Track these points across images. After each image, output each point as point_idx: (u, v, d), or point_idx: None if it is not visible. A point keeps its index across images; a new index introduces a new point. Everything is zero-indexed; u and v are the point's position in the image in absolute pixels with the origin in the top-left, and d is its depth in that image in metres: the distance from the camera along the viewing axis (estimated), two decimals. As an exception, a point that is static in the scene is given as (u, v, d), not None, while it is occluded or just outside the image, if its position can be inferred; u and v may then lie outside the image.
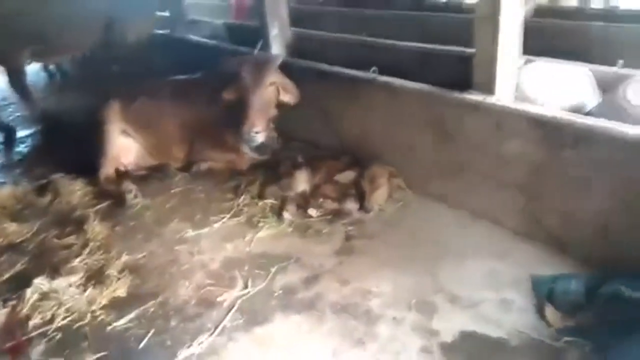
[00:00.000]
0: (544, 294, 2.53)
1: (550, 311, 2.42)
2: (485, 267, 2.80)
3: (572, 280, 2.53)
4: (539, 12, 5.00)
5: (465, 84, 3.18)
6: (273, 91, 3.86)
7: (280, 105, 4.01)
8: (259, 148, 3.96)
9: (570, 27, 4.41)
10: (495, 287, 2.65)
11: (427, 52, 4.09)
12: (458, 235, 3.11)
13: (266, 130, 3.76)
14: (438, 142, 3.31)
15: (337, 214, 3.42)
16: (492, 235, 3.06)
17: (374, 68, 3.74)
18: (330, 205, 3.50)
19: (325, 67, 4.17)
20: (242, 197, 3.71)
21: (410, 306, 2.58)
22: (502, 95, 3.00)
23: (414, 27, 5.48)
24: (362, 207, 3.41)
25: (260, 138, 3.67)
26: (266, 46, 4.92)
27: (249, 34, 5.70)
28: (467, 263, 2.85)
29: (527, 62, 3.37)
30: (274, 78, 3.84)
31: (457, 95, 3.10)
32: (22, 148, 5.38)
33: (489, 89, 3.00)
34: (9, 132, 5.63)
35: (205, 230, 3.42)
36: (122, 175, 4.16)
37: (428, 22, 5.60)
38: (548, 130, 2.75)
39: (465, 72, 3.24)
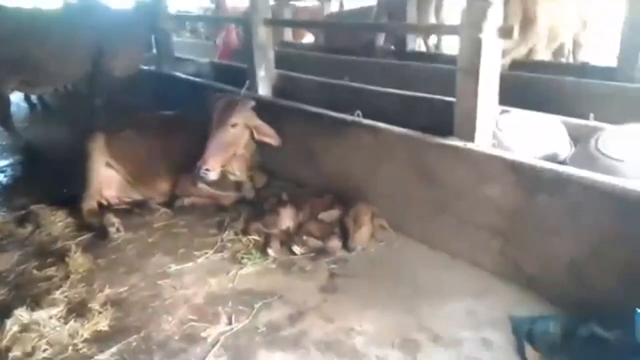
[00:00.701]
0: (524, 334, 2.61)
1: (529, 351, 2.50)
2: (465, 306, 2.88)
3: (550, 322, 2.62)
4: (513, 66, 5.31)
5: (445, 130, 3.34)
6: (239, 132, 3.98)
7: (262, 146, 4.15)
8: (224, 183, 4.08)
9: (543, 80, 4.69)
10: (475, 327, 2.72)
11: (407, 98, 4.29)
12: (438, 275, 3.19)
13: (218, 168, 3.82)
14: (420, 185, 3.44)
15: (320, 252, 3.48)
16: (471, 276, 3.16)
17: (358, 112, 3.88)
18: (314, 243, 3.56)
19: (310, 108, 4.31)
20: (226, 233, 3.74)
21: (393, 344, 2.62)
22: (481, 142, 3.16)
23: (394, 74, 5.74)
24: (346, 246, 3.48)
25: (211, 176, 3.74)
26: (253, 86, 5.07)
27: (235, 74, 5.88)
28: (447, 303, 2.92)
29: (502, 112, 3.58)
30: (241, 120, 3.95)
31: (439, 140, 3.26)
32: (1, 177, 5.32)
33: (469, 135, 3.17)
34: (-12, 161, 5.58)
35: (189, 265, 3.44)
36: (104, 208, 4.16)
37: (407, 69, 5.87)
38: (524, 176, 2.89)
39: (445, 119, 3.42)
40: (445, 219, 3.34)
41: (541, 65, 5.52)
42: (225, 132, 3.86)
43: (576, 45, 6.17)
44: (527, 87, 4.47)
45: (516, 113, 3.60)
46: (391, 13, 6.85)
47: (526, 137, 3.35)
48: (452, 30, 3.42)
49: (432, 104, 4.07)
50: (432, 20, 7.59)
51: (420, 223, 3.49)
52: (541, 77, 4.85)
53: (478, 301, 2.92)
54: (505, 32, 3.20)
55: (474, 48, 3.11)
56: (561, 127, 3.50)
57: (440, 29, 4.28)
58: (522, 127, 3.43)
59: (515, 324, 2.71)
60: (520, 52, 5.56)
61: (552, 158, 3.25)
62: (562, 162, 3.21)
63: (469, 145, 3.14)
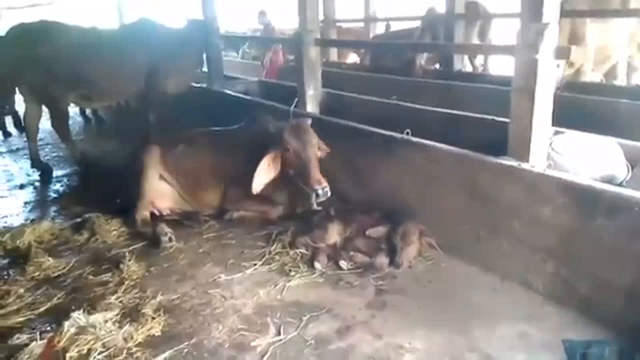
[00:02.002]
0: (578, 358, 2.54)
1: (585, 376, 2.43)
2: (516, 329, 2.82)
3: (606, 347, 2.55)
4: (568, 87, 5.23)
5: (495, 150, 3.32)
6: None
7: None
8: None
9: (596, 102, 4.61)
10: (527, 350, 2.66)
11: (455, 118, 4.28)
12: (489, 296, 3.14)
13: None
14: (471, 204, 3.41)
15: (367, 268, 3.49)
16: (523, 298, 3.10)
17: (407, 130, 3.90)
18: (361, 258, 3.57)
19: (359, 125, 4.35)
20: (274, 246, 3.80)
21: (443, 363, 2.59)
22: (536, 163, 3.12)
23: (441, 94, 5.75)
24: (393, 263, 3.47)
25: (328, 191, 3.75)
26: (301, 104, 5.16)
27: (282, 92, 6.02)
28: (499, 325, 2.87)
29: (557, 133, 3.53)
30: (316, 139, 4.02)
31: (493, 160, 3.24)
32: (58, 187, 5.57)
33: (523, 156, 3.14)
34: (46, 170, 5.84)
35: (238, 275, 3.49)
36: (156, 218, 4.28)
37: (454, 89, 5.87)
38: (581, 198, 2.84)
39: (494, 139, 3.40)
40: (496, 240, 3.29)
41: (593, 87, 5.43)
42: (314, 151, 3.92)
43: (630, 67, 6.04)
44: (579, 109, 4.39)
45: (571, 134, 3.55)
46: (435, 34, 6.87)
47: (582, 159, 3.29)
48: (506, 50, 3.42)
49: (481, 123, 4.06)
50: (476, 41, 7.58)
51: (470, 243, 3.45)
52: (594, 98, 4.77)
53: (530, 324, 2.85)
54: (561, 53, 3.19)
55: (529, 69, 3.09)
56: (618, 149, 3.43)
57: (494, 50, 4.26)
58: (577, 148, 3.37)
59: (569, 348, 2.64)
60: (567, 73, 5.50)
61: (609, 180, 3.18)
62: (620, 185, 3.14)
63: (524, 165, 3.10)
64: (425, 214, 3.67)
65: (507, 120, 3.39)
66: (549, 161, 3.26)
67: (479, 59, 8.03)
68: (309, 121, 4.16)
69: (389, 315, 3.02)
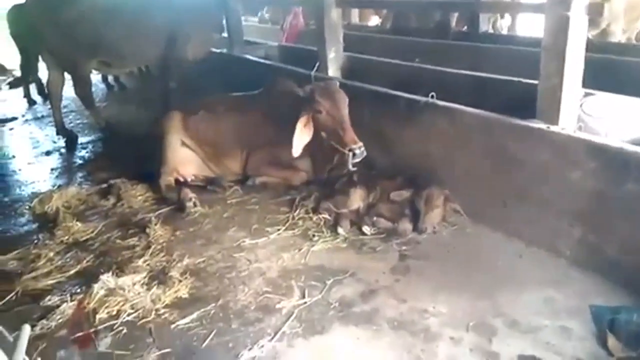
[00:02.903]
0: (605, 323, 2.51)
1: (612, 341, 2.41)
2: (542, 294, 2.80)
3: (635, 312, 2.51)
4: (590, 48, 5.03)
5: (523, 114, 3.24)
6: None
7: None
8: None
9: (626, 63, 4.44)
10: (553, 315, 2.64)
11: (481, 80, 4.17)
12: (514, 262, 3.12)
13: None
14: (497, 169, 3.36)
15: (391, 233, 3.49)
16: (549, 264, 3.07)
17: (432, 93, 3.81)
18: (384, 224, 3.56)
19: (382, 89, 4.27)
20: (297, 211, 3.81)
21: (468, 327, 2.59)
22: (566, 125, 3.04)
23: (467, 56, 5.59)
24: (416, 228, 3.46)
25: (364, 151, 3.70)
26: (323, 68, 5.08)
27: (302, 56, 5.92)
28: (524, 290, 2.85)
29: (587, 95, 3.41)
30: None
31: (520, 122, 3.16)
32: (83, 153, 5.64)
33: (552, 118, 3.05)
34: (71, 137, 5.91)
35: (262, 240, 3.52)
36: (180, 183, 4.32)
37: (481, 51, 5.70)
38: (611, 161, 2.77)
39: (522, 102, 3.31)
40: (523, 205, 3.24)
41: (621, 48, 5.22)
42: (347, 111, 3.86)
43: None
44: (608, 70, 4.23)
45: (602, 96, 3.42)
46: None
47: (613, 121, 3.19)
48: (537, 8, 3.29)
49: (508, 86, 3.94)
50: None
51: (496, 209, 3.41)
52: (625, 59, 4.59)
53: (556, 289, 2.83)
54: (594, 10, 3.05)
55: (560, 26, 2.98)
56: (651, 111, 3.31)
57: (523, 8, 4.09)
58: (609, 110, 3.26)
59: (596, 314, 2.61)
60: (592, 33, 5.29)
61: (641, 143, 3.08)
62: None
63: (553, 128, 3.02)
64: (450, 179, 3.63)
65: (534, 82, 3.30)
66: (579, 123, 3.16)
67: (503, 21, 7.78)
68: (337, 83, 4.09)
69: (413, 279, 3.03)
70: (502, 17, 7.61)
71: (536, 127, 3.08)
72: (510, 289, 2.86)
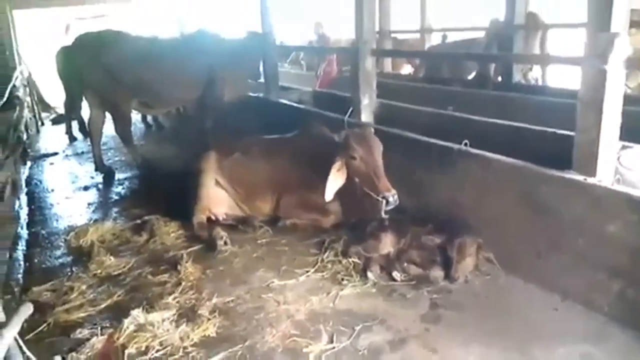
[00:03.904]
0: (647, 385, 2.40)
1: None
2: (579, 350, 2.70)
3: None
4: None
5: (557, 164, 3.21)
6: None
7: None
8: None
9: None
10: (592, 373, 2.55)
11: (514, 130, 4.17)
12: (549, 315, 3.02)
13: None
14: (532, 219, 3.30)
15: (421, 280, 3.44)
16: (586, 319, 2.96)
17: (465, 141, 3.83)
18: (415, 270, 3.52)
19: (415, 136, 4.31)
20: (327, 254, 3.80)
21: (500, 381, 2.51)
22: (603, 177, 3.00)
23: (498, 106, 5.62)
24: (448, 276, 3.40)
25: (397, 199, 3.71)
26: (356, 114, 5.17)
27: (336, 102, 6.05)
28: (559, 344, 2.75)
29: (624, 147, 3.37)
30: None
31: (557, 173, 3.13)
32: (120, 189, 5.80)
33: (589, 170, 3.02)
34: (109, 173, 6.10)
35: (291, 281, 3.52)
36: (213, 222, 4.38)
37: (514, 101, 5.72)
38: (652, 216, 2.71)
39: (556, 152, 3.29)
40: (559, 256, 3.17)
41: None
42: (381, 158, 3.90)
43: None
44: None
45: (639, 149, 3.38)
46: (500, 44, 6.74)
47: (653, 175, 3.13)
48: (573, 61, 3.31)
49: (541, 136, 3.93)
50: (537, 51, 7.38)
51: (530, 259, 3.33)
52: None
53: (594, 346, 2.72)
54: (632, 64, 3.06)
55: (598, 79, 2.99)
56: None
57: (560, 60, 4.13)
58: (647, 163, 3.22)
59: (637, 374, 2.51)
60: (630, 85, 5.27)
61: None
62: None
63: (590, 180, 2.99)
64: (483, 227, 3.58)
65: (568, 133, 3.29)
66: (617, 176, 3.12)
67: (534, 73, 7.81)
68: (372, 129, 4.15)
69: (444, 329, 2.96)
70: (531, 69, 7.65)
71: (573, 178, 3.05)
72: (545, 343, 2.76)
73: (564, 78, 7.50)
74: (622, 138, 3.18)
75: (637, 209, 2.75)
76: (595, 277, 2.99)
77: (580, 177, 3.03)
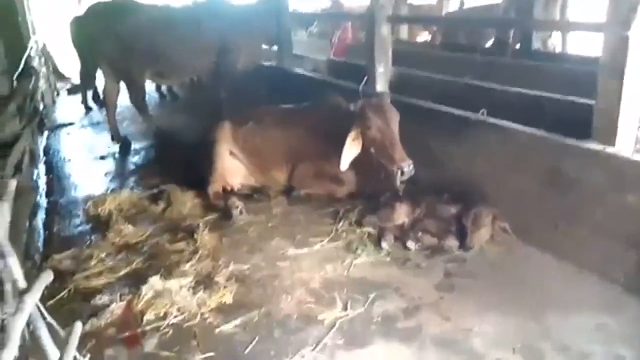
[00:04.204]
0: (662, 354, 2.40)
1: (669, 373, 2.30)
2: (594, 320, 2.71)
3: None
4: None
5: (576, 134, 3.16)
6: None
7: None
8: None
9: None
10: (606, 342, 2.55)
11: (533, 99, 4.09)
12: (564, 285, 3.02)
13: None
14: (549, 189, 3.27)
15: (435, 250, 3.45)
16: (601, 289, 2.96)
17: (483, 110, 3.77)
18: (429, 240, 3.52)
19: (431, 105, 4.25)
20: (341, 223, 3.82)
21: (514, 350, 2.52)
22: (623, 147, 2.94)
23: (517, 74, 5.50)
24: (463, 246, 3.40)
25: (413, 169, 3.67)
26: (371, 82, 5.10)
27: (350, 70, 5.96)
28: (575, 314, 2.76)
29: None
30: None
31: (576, 143, 3.08)
32: (136, 159, 5.84)
33: (609, 139, 2.97)
34: (126, 143, 6.14)
35: (305, 250, 3.55)
36: (228, 192, 4.41)
37: (533, 69, 5.60)
38: (672, 186, 2.66)
39: (576, 121, 3.22)
40: (576, 228, 3.15)
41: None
42: (397, 128, 3.84)
43: None
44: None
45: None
46: (519, 10, 6.55)
47: (674, 144, 3.06)
48: (595, 27, 3.21)
49: (561, 105, 3.86)
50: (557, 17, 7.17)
51: (547, 230, 3.31)
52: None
53: (610, 316, 2.72)
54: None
55: (620, 46, 2.90)
56: None
57: (581, 27, 4.00)
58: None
59: (652, 343, 2.51)
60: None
61: None
62: None
63: (609, 149, 2.93)
64: (499, 198, 3.56)
65: (588, 101, 3.22)
66: (637, 145, 3.05)
67: (553, 40, 7.61)
68: (389, 98, 4.10)
69: (458, 298, 2.98)
70: (550, 36, 7.45)
71: (592, 148, 3.00)
72: (560, 313, 2.77)
73: (584, 45, 7.31)
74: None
75: (657, 179, 2.71)
76: (612, 247, 2.97)
77: (599, 147, 2.98)
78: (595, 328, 2.66)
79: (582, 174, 3.07)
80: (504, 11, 6.87)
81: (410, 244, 3.50)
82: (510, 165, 3.52)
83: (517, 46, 6.70)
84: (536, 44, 6.56)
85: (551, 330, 2.64)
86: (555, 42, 7.68)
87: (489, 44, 7.60)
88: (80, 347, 2.67)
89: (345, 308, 2.91)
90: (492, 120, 3.66)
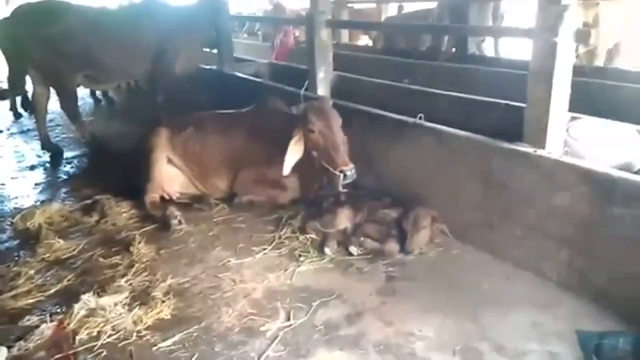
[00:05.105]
0: (591, 349, 2.50)
1: (598, 367, 2.39)
2: (529, 318, 2.79)
3: (620, 338, 2.51)
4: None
5: (510, 136, 3.25)
6: None
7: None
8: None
9: (609, 87, 4.51)
10: (540, 339, 2.63)
11: (468, 102, 4.20)
12: (501, 284, 3.11)
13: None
14: (484, 191, 3.36)
15: (378, 254, 3.46)
16: (536, 287, 3.05)
17: (420, 114, 3.83)
18: (371, 244, 3.54)
19: (370, 109, 4.28)
20: (284, 230, 3.78)
21: (454, 352, 2.56)
22: (553, 149, 3.06)
23: (454, 78, 5.65)
24: (403, 249, 3.44)
25: (355, 173, 3.64)
26: (312, 87, 5.09)
27: (292, 74, 5.94)
28: (510, 313, 2.83)
29: (573, 119, 3.45)
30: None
31: (508, 145, 3.18)
32: (68, 168, 5.57)
33: (539, 142, 3.08)
34: (57, 152, 5.84)
35: (248, 259, 3.48)
36: (166, 201, 4.27)
37: (469, 73, 5.77)
38: (599, 186, 2.78)
39: (509, 124, 3.33)
40: (510, 227, 3.24)
41: (603, 71, 5.31)
42: (339, 131, 3.81)
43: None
44: (593, 94, 4.29)
45: (588, 120, 3.47)
46: (453, 14, 6.74)
47: (599, 145, 3.22)
48: (524, 33, 3.32)
49: (494, 108, 3.97)
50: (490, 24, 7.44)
51: (483, 230, 3.40)
52: (606, 83, 4.67)
53: (544, 313, 2.82)
54: (581, 36, 3.10)
55: (548, 52, 3.02)
56: (636, 135, 3.35)
57: (511, 32, 4.16)
58: (594, 134, 3.30)
59: (583, 339, 2.60)
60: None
61: (627, 168, 3.11)
62: (637, 172, 3.06)
63: (540, 151, 3.04)
64: (437, 200, 3.63)
65: (520, 104, 3.33)
66: (566, 148, 3.19)
67: (486, 44, 7.89)
68: (331, 101, 4.09)
69: (400, 301, 3.00)
70: (483, 40, 7.73)
71: (523, 150, 3.10)
72: (497, 312, 2.84)
73: (520, 49, 7.62)
74: (571, 109, 3.25)
75: (584, 181, 2.83)
76: (545, 247, 3.08)
77: (530, 149, 3.08)
78: (531, 326, 2.74)
79: (514, 175, 3.17)
80: (438, 17, 7.05)
81: (353, 249, 3.50)
82: (446, 168, 3.59)
83: (453, 50, 6.89)
84: (472, 48, 6.76)
85: (488, 330, 2.70)
86: (486, 45, 7.98)
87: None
88: (5, 374, 2.54)
89: (288, 318, 2.87)
90: (428, 124, 3.72)
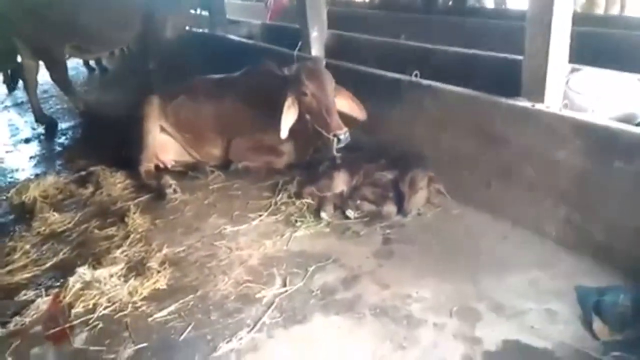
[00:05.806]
0: (591, 306, 2.46)
1: (597, 323, 2.36)
2: (528, 276, 2.75)
3: (621, 293, 2.46)
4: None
5: (510, 91, 3.15)
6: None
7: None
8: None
9: (614, 36, 4.34)
10: (539, 298, 2.60)
11: (467, 57, 4.07)
12: (499, 243, 3.06)
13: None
14: (481, 149, 3.28)
15: (375, 217, 3.42)
16: (534, 245, 3.01)
17: (416, 72, 3.71)
18: (368, 207, 3.49)
19: (365, 69, 4.16)
20: (280, 196, 3.73)
21: (451, 313, 2.54)
22: (552, 103, 2.95)
23: (453, 32, 5.47)
24: (400, 211, 3.39)
25: (349, 136, 3.58)
26: (306, 47, 4.95)
27: (285, 35, 5.77)
28: (509, 272, 2.80)
29: (573, 70, 3.32)
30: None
31: (505, 101, 3.07)
32: (63, 140, 5.51)
33: (538, 96, 2.97)
34: (51, 124, 5.77)
35: (244, 226, 3.44)
36: (161, 170, 4.22)
37: (467, 26, 5.58)
38: (598, 140, 2.70)
39: (509, 78, 3.21)
40: (508, 185, 3.18)
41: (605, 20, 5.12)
42: (333, 94, 3.72)
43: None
44: (594, 44, 4.12)
45: (588, 71, 3.34)
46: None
47: (600, 97, 3.10)
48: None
49: (494, 62, 3.84)
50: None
51: (481, 189, 3.34)
52: (611, 32, 4.50)
53: (542, 271, 2.78)
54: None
55: (545, 1, 2.86)
56: (638, 86, 3.22)
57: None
58: (595, 86, 3.18)
59: (582, 295, 2.57)
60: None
61: (629, 120, 3.00)
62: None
63: (538, 106, 2.94)
64: (435, 160, 3.55)
65: (520, 57, 3.20)
66: (565, 100, 3.07)
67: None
68: (324, 62, 3.96)
69: (396, 264, 2.97)
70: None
71: (521, 105, 3.00)
72: (494, 272, 2.80)
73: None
74: (571, 60, 3.12)
75: (583, 134, 2.74)
76: (543, 203, 3.02)
77: (528, 104, 2.98)
78: (529, 284, 2.70)
79: (512, 131, 3.09)
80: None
81: (350, 212, 3.46)
82: (444, 126, 3.50)
83: (450, 3, 6.66)
84: (471, 0, 6.53)
85: (486, 290, 2.67)
86: None
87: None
88: (3, 349, 2.55)
89: (284, 284, 2.85)
90: (424, 81, 3.60)
